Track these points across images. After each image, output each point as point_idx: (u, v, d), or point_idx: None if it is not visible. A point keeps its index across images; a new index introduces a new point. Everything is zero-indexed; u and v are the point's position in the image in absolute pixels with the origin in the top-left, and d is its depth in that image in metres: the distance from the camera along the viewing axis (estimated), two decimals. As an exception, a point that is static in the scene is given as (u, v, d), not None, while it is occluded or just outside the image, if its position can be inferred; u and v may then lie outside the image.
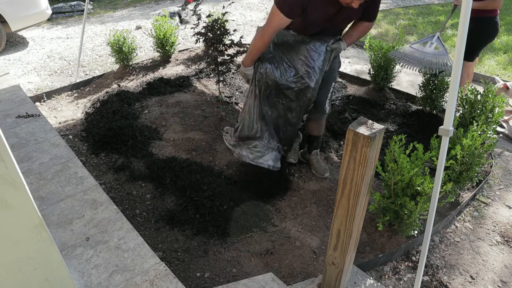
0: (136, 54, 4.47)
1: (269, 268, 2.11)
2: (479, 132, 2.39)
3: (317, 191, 2.67)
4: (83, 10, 6.94)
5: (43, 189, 2.27)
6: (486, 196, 2.71)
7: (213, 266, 2.10)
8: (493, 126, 2.60)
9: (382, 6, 7.74)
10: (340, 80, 4.35)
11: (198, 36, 3.07)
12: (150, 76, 4.19)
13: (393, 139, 2.06)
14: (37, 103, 3.85)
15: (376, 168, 1.42)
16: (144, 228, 2.31)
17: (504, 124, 3.54)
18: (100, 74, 4.49)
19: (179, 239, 2.25)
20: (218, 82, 3.27)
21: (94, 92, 4.07)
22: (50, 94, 4.02)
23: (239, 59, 4.41)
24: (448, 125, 1.53)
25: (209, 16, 3.23)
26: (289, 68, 2.34)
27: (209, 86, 4.01)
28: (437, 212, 2.07)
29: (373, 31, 6.17)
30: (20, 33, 6.13)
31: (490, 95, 2.66)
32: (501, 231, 2.41)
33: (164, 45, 4.46)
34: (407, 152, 2.03)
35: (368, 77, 4.00)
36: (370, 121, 1.28)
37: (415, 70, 3.10)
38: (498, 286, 2.07)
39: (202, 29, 3.06)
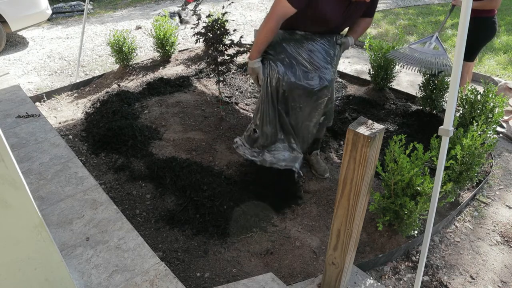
0: (136, 54, 4.48)
1: (269, 268, 2.11)
2: (479, 132, 2.39)
3: (317, 191, 2.67)
4: (83, 10, 6.94)
5: (43, 189, 2.27)
6: (486, 196, 2.71)
7: (213, 266, 2.10)
8: (493, 126, 2.60)
9: (382, 6, 7.74)
10: (340, 80, 4.35)
11: (198, 36, 3.07)
12: (150, 76, 4.19)
13: (393, 139, 2.06)
14: (37, 103, 3.85)
15: (376, 168, 1.42)
16: (144, 228, 2.31)
17: (504, 124, 3.54)
18: (100, 74, 4.49)
19: (179, 239, 2.25)
20: (218, 82, 3.27)
21: (94, 92, 4.07)
22: (50, 94, 4.02)
23: (239, 59, 4.42)
24: (448, 125, 1.53)
25: (209, 16, 3.23)
26: (303, 67, 2.29)
27: (209, 86, 4.01)
28: (437, 212, 2.07)
29: (373, 31, 6.17)
30: (20, 33, 6.14)
31: (490, 95, 2.66)
32: (501, 231, 2.41)
33: (164, 45, 4.46)
34: (407, 152, 2.03)
35: (368, 77, 4.00)
36: (370, 121, 1.28)
37: (414, 71, 3.10)
38: (498, 286, 2.07)
39: (202, 29, 3.06)
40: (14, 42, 5.78)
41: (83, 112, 3.58)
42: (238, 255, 2.18)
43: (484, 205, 2.63)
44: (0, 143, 1.02)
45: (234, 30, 3.27)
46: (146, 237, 2.22)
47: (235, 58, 3.15)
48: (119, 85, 3.99)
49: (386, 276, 2.10)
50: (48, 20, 6.76)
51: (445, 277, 2.09)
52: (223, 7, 3.52)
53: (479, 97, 2.70)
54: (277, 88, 2.32)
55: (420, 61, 3.04)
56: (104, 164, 2.84)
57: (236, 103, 3.71)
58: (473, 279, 2.09)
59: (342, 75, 4.51)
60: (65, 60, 5.13)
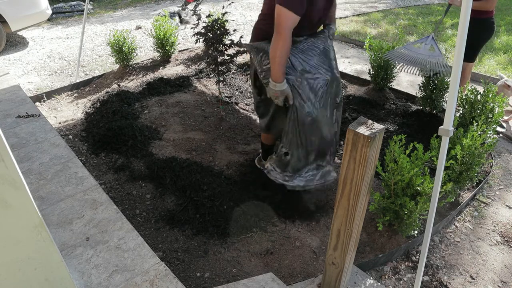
0: (136, 54, 4.48)
1: (269, 268, 2.11)
2: (479, 132, 2.39)
3: (317, 191, 2.67)
4: (83, 10, 6.95)
5: (43, 189, 2.27)
6: (486, 196, 2.71)
7: (213, 266, 2.10)
8: (493, 126, 2.60)
9: (382, 6, 7.75)
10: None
11: (198, 36, 3.07)
12: (150, 76, 4.19)
13: (393, 139, 2.06)
14: (37, 103, 3.85)
15: (376, 168, 1.42)
16: (144, 228, 2.31)
17: (504, 124, 3.54)
18: (100, 74, 4.49)
19: (179, 239, 2.25)
20: (218, 82, 3.27)
21: (94, 92, 4.07)
22: (50, 94, 4.02)
23: (239, 59, 4.42)
24: (448, 125, 1.53)
25: (209, 16, 3.23)
26: (312, 81, 2.18)
27: (209, 86, 4.01)
28: (437, 212, 2.07)
29: (373, 31, 6.17)
30: (20, 33, 6.14)
31: (490, 95, 2.66)
32: (501, 231, 2.41)
33: (164, 45, 4.46)
34: (407, 152, 2.03)
35: (368, 77, 4.00)
36: (370, 121, 1.28)
37: (410, 72, 3.10)
38: (498, 286, 2.07)
39: (202, 29, 3.06)
40: (14, 42, 5.78)
41: (83, 112, 3.58)
42: (238, 255, 2.18)
43: (484, 205, 2.63)
44: (0, 143, 1.02)
45: (234, 30, 3.27)
46: (146, 237, 2.22)
47: (235, 58, 3.15)
48: (119, 85, 3.99)
49: (386, 276, 2.10)
50: (48, 20, 6.76)
51: (445, 277, 2.09)
52: (223, 7, 3.52)
53: (479, 97, 2.70)
54: (300, 121, 2.19)
55: (414, 61, 3.03)
56: (104, 164, 2.84)
57: (236, 103, 3.71)
58: (473, 279, 2.09)
59: (342, 75, 4.50)
60: (65, 60, 5.13)
